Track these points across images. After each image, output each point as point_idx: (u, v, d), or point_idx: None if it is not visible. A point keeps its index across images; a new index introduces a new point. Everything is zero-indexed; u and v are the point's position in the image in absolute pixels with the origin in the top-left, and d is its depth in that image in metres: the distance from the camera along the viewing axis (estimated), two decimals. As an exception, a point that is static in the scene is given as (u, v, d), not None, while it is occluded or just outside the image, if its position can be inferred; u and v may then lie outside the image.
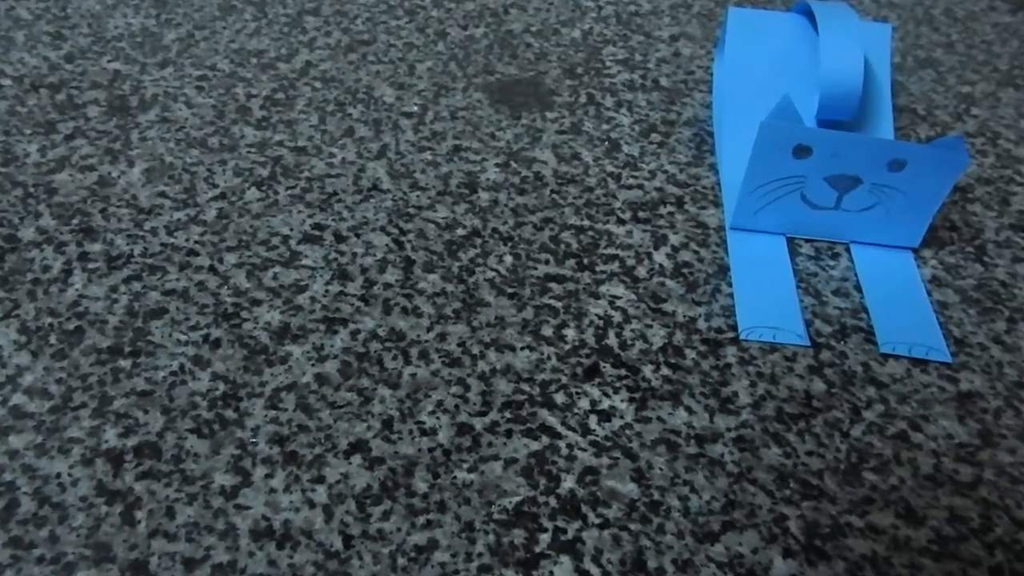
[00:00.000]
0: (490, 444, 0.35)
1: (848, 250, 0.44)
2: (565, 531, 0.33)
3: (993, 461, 0.36)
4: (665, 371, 0.38)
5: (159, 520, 0.32)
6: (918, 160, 0.41)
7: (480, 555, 0.32)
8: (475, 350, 0.38)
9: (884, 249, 0.44)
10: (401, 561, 0.31)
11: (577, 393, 0.37)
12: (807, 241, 0.45)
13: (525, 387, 0.37)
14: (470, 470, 0.34)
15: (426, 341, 0.39)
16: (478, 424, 0.36)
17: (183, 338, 0.38)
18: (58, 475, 0.33)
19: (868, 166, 0.41)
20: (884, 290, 0.42)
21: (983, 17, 0.64)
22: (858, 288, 0.42)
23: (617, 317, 0.40)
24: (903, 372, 0.39)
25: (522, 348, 0.39)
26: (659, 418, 0.36)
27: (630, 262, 0.43)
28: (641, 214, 0.45)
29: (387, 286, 0.41)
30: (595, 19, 0.59)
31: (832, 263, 0.44)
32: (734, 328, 0.40)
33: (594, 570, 0.32)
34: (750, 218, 0.44)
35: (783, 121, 0.40)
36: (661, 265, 0.43)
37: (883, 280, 0.43)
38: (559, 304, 0.41)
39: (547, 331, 0.39)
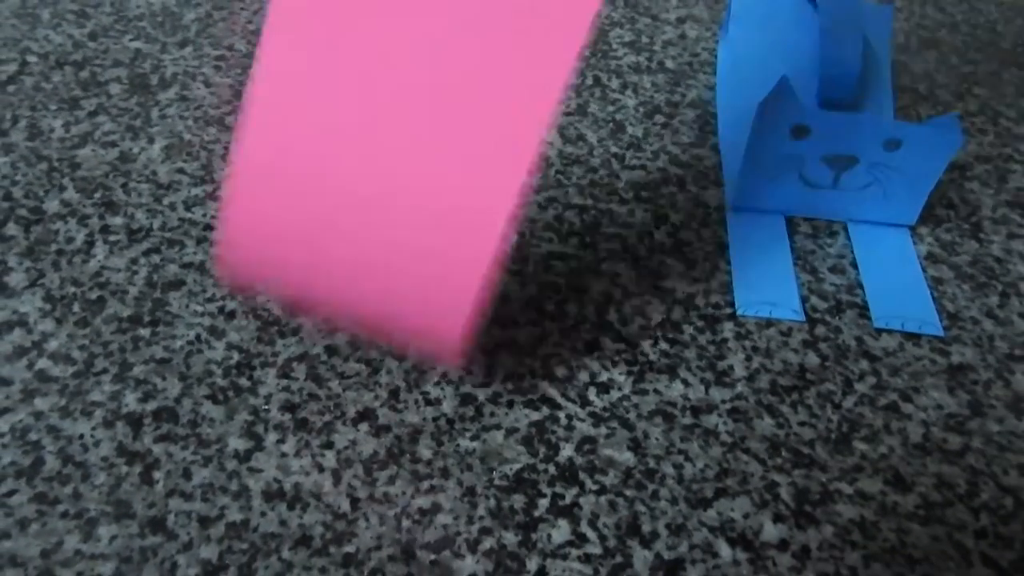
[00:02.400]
0: (492, 414, 0.36)
1: (846, 228, 0.45)
2: (563, 496, 0.34)
3: (982, 430, 0.37)
4: (663, 345, 0.39)
5: (176, 480, 0.33)
6: (913, 139, 0.41)
7: (481, 518, 0.33)
8: (479, 324, 0.40)
9: (881, 227, 0.45)
10: (406, 523, 0.33)
11: (577, 366, 0.38)
12: (805, 220, 0.46)
13: (527, 360, 0.38)
14: (472, 438, 0.36)
15: (433, 314, 0.40)
16: (481, 395, 0.37)
17: (200, 309, 0.39)
18: (81, 436, 0.35)
19: (865, 145, 0.42)
20: (879, 267, 0.43)
21: (991, -2, 0.65)
22: (854, 265, 0.44)
23: (617, 294, 0.41)
24: (896, 346, 0.40)
25: (525, 323, 0.40)
26: (656, 390, 0.38)
27: (631, 240, 0.44)
28: (643, 194, 0.46)
29: (396, 261, 0.42)
30: (603, 1, 0.60)
31: (829, 241, 0.45)
32: (731, 304, 0.41)
33: (590, 533, 0.33)
34: (749, 197, 0.45)
35: (781, 101, 0.41)
36: (661, 243, 0.44)
37: (879, 257, 0.44)
38: (561, 281, 0.42)
39: (549, 306, 0.41)
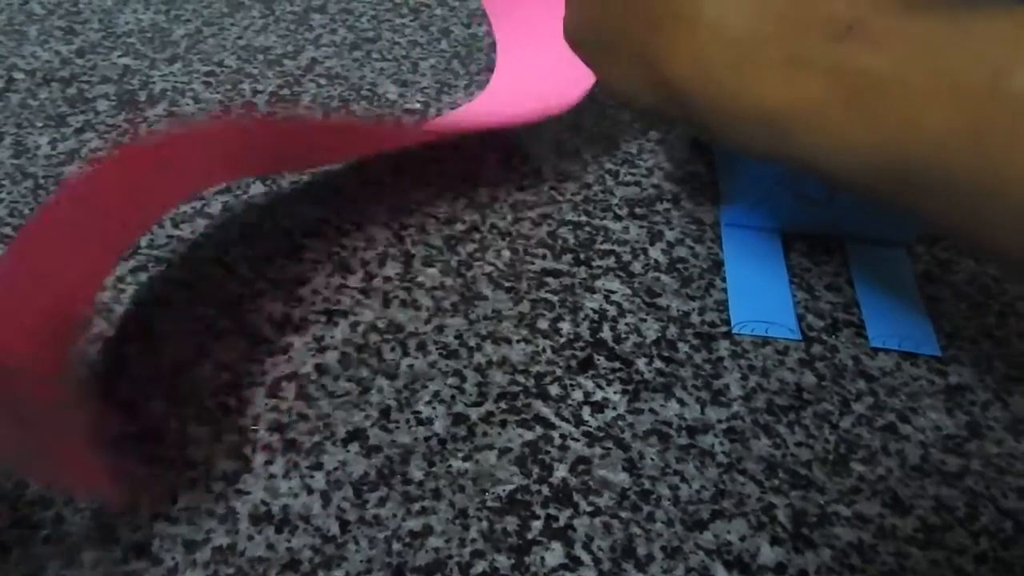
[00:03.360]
0: (485, 434, 0.36)
1: (842, 246, 0.45)
2: (557, 518, 0.33)
3: (980, 452, 0.37)
4: (658, 364, 0.39)
5: (161, 503, 0.33)
6: None
7: (473, 541, 0.32)
8: (472, 342, 0.39)
9: (877, 244, 0.45)
10: (396, 546, 0.32)
11: (571, 385, 0.38)
12: (802, 237, 0.45)
13: (520, 378, 0.38)
14: (465, 459, 0.35)
15: (424, 333, 0.39)
16: (474, 414, 0.36)
17: (187, 328, 0.39)
18: (64, 459, 0.34)
19: None
20: (876, 285, 0.43)
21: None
22: (851, 283, 0.43)
23: (612, 311, 0.41)
24: (893, 365, 0.40)
25: (518, 341, 0.39)
26: (651, 410, 0.37)
27: (626, 257, 0.44)
28: (638, 210, 0.46)
29: (387, 279, 0.42)
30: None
31: (826, 258, 0.44)
32: (727, 322, 0.41)
33: (584, 556, 0.32)
34: (745, 214, 0.45)
35: None
36: (656, 260, 0.44)
37: (875, 275, 0.43)
38: (555, 298, 0.41)
39: (543, 324, 0.40)
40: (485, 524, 0.33)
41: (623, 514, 0.34)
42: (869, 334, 0.41)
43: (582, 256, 0.43)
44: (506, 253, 0.43)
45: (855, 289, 0.43)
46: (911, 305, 0.42)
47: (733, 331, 0.40)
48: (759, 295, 0.42)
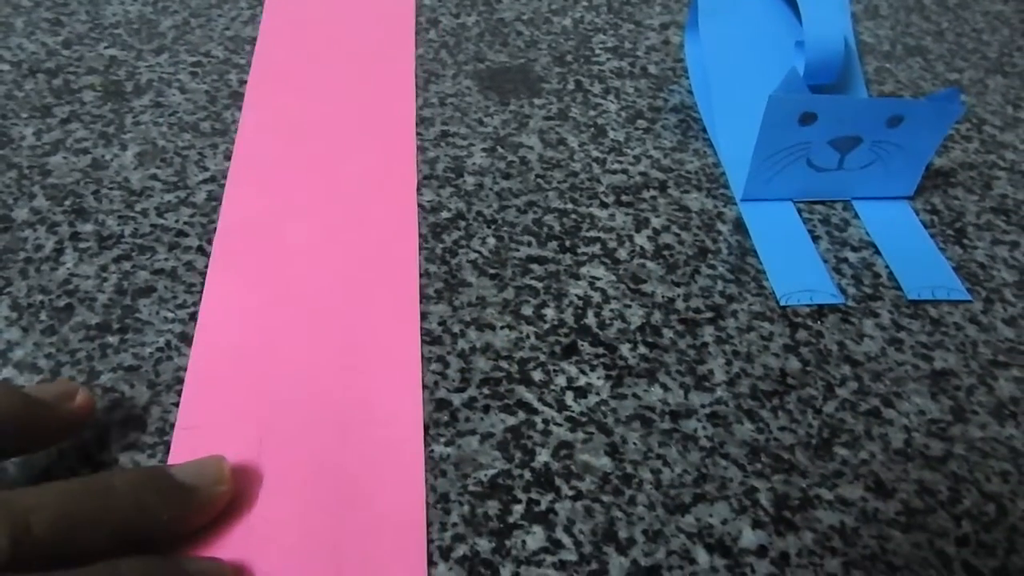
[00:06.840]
0: (467, 419, 0.36)
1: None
2: (539, 502, 0.33)
3: (964, 436, 0.37)
4: (642, 349, 0.39)
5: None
6: (915, 114, 0.43)
7: (455, 525, 0.32)
8: (456, 329, 0.39)
9: (883, 202, 0.47)
10: (377, 530, 0.32)
11: (555, 370, 0.38)
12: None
13: (504, 364, 0.38)
14: (447, 444, 0.35)
15: (408, 319, 0.39)
16: (456, 400, 0.36)
17: (170, 315, 0.39)
18: (44, 445, 0.34)
19: (869, 125, 0.43)
20: (894, 241, 0.45)
21: (974, 5, 0.64)
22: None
23: (596, 297, 0.41)
24: (878, 351, 0.40)
25: (502, 327, 0.39)
26: (635, 395, 0.37)
27: (611, 244, 0.43)
28: (624, 198, 0.46)
29: (371, 266, 0.42)
30: (586, 8, 0.60)
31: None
32: (712, 308, 0.41)
33: (566, 540, 0.32)
34: (761, 188, 0.46)
35: (790, 92, 0.41)
36: (642, 247, 0.43)
37: (891, 233, 0.45)
38: (540, 285, 0.41)
39: (527, 311, 0.40)
40: (467, 508, 0.33)
41: (605, 498, 0.34)
42: (904, 288, 0.42)
43: (567, 243, 0.43)
44: (491, 240, 0.43)
45: (875, 248, 0.44)
46: (930, 255, 0.44)
47: (780, 303, 0.41)
48: (793, 265, 0.43)
